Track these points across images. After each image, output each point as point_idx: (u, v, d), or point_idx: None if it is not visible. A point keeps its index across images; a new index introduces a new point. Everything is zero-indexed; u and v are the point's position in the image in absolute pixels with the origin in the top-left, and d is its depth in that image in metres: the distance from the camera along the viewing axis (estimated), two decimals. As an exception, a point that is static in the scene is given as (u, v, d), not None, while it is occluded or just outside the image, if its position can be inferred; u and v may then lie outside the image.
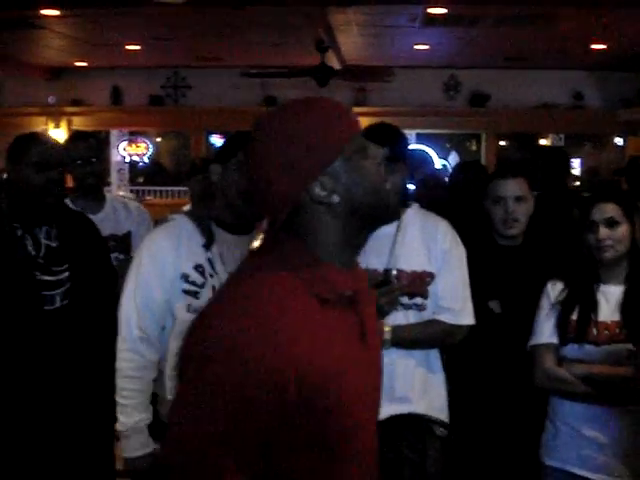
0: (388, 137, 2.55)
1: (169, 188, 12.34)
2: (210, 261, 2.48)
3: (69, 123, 10.28)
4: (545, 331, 2.63)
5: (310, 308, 1.34)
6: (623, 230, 2.54)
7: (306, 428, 1.32)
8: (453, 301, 2.58)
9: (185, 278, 2.46)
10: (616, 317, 2.55)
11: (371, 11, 6.72)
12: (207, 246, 2.49)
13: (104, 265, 3.06)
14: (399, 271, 2.54)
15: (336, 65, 8.46)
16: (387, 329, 2.52)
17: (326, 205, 1.39)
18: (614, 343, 2.52)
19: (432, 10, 6.55)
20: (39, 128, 9.99)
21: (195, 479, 1.30)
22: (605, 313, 2.56)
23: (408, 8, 6.59)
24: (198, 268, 2.47)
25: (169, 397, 2.52)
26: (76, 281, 2.82)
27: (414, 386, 2.58)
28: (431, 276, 2.57)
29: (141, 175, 11.98)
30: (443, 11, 6.59)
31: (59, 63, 9.78)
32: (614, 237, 2.53)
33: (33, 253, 2.74)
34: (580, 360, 2.54)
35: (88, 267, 2.88)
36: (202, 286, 2.46)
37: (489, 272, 2.83)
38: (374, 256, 2.54)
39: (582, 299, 2.59)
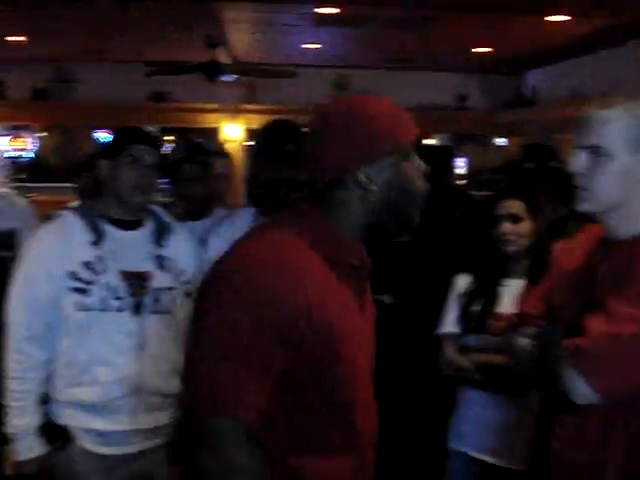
0: (290, 134, 2.59)
1: (54, 184, 11.97)
2: (100, 258, 2.45)
3: (-53, 116, 9.86)
4: (449, 321, 2.77)
5: (322, 267, 1.50)
6: (526, 226, 2.67)
7: (315, 359, 1.47)
8: None
9: (73, 276, 2.43)
10: (515, 309, 2.68)
11: (262, 9, 6.74)
12: (96, 243, 2.46)
13: None
14: None
15: (226, 61, 8.43)
16: None
17: (363, 190, 1.54)
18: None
19: (323, 10, 6.62)
20: None
21: (215, 393, 1.43)
22: (505, 305, 2.69)
23: (299, 7, 6.65)
24: (87, 265, 2.44)
25: (60, 397, 2.47)
26: None
27: None
28: None
29: (24, 171, 11.57)
30: (334, 11, 6.67)
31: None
32: (517, 232, 2.67)
33: None
34: (479, 349, 2.66)
35: None
36: (91, 283, 2.43)
37: (380, 267, 2.90)
38: None
39: (486, 292, 2.71)
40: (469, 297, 2.75)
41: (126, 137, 2.57)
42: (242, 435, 1.43)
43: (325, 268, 1.51)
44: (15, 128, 11.19)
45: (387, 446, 2.88)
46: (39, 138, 11.46)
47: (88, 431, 2.47)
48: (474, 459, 2.71)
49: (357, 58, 9.41)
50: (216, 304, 1.46)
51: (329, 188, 1.56)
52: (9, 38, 8.26)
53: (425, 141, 11.19)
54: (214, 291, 1.48)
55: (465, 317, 2.73)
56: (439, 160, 5.10)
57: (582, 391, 1.65)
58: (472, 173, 10.94)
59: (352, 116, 1.54)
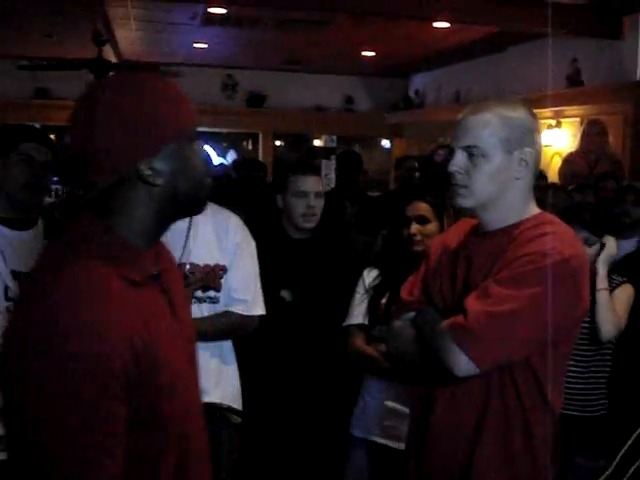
0: None
1: None
2: None
3: None
4: (357, 313, 2.86)
5: (123, 291, 1.31)
6: (432, 227, 2.82)
7: (139, 402, 1.30)
8: (245, 293, 2.66)
9: None
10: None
11: (151, 6, 6.68)
12: None
13: None
14: (192, 265, 2.59)
15: (113, 59, 8.29)
16: None
17: (149, 185, 1.36)
18: None
19: (212, 10, 6.63)
20: None
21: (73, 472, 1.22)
22: None
23: (188, 6, 6.62)
24: None
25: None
26: None
27: (209, 377, 2.63)
28: (224, 269, 2.63)
29: None
30: (223, 11, 6.69)
31: None
32: (424, 232, 2.80)
33: None
34: (382, 339, 2.76)
35: None
36: None
37: (281, 263, 2.96)
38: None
39: (393, 285, 2.80)
40: (377, 290, 2.86)
41: (15, 135, 2.52)
42: None
43: (133, 294, 1.33)
44: None
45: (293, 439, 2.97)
46: None
47: None
48: (376, 444, 2.81)
49: (245, 59, 9.45)
50: (25, 389, 1.22)
51: (109, 192, 1.37)
52: None
53: (315, 142, 11.38)
54: (30, 368, 1.22)
55: (373, 309, 2.84)
56: (350, 163, 5.44)
57: (463, 363, 1.77)
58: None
59: (126, 103, 1.33)
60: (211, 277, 2.61)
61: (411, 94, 10.15)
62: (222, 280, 2.63)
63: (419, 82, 10.27)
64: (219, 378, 2.67)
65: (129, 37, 8.02)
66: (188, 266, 2.56)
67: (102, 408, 1.23)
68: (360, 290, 2.88)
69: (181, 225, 2.60)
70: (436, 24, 6.83)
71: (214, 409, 2.63)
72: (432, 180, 4.73)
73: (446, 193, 2.34)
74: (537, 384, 1.85)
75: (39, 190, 2.52)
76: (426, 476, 1.99)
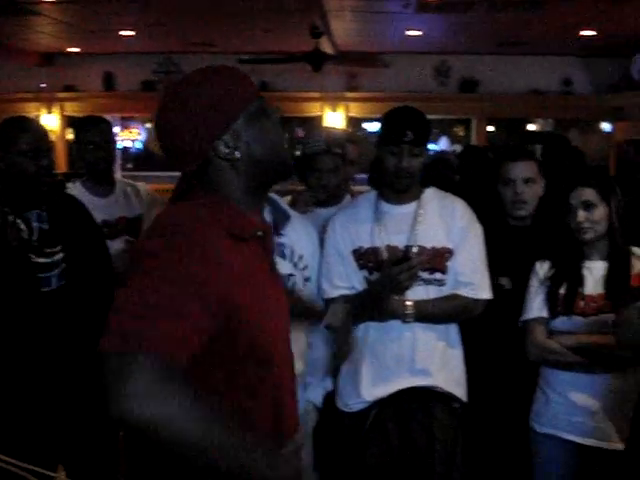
0: (412, 121, 2.64)
1: (159, 173, 12.32)
2: None
3: (62, 109, 10.29)
4: (535, 306, 2.78)
5: (226, 243, 1.48)
6: (600, 212, 2.70)
7: (232, 340, 1.46)
8: (472, 276, 2.68)
9: None
10: (600, 290, 2.71)
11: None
12: None
13: (97, 246, 3.04)
14: (419, 247, 2.63)
15: (329, 50, 8.51)
16: (409, 303, 2.62)
17: (230, 161, 1.55)
18: (600, 314, 2.67)
19: (427, -4, 6.62)
20: (32, 114, 9.99)
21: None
22: (590, 286, 2.72)
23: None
24: None
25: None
26: (71, 262, 2.81)
27: (434, 359, 2.68)
28: (450, 252, 2.67)
29: (131, 161, 11.97)
30: (438, -3, 6.67)
31: (51, 49, 9.77)
32: (591, 219, 2.69)
33: (26, 236, 2.73)
34: (569, 331, 2.70)
35: (82, 248, 2.87)
36: None
37: (500, 250, 2.93)
38: (394, 234, 2.66)
39: (569, 275, 2.75)
40: (553, 281, 2.77)
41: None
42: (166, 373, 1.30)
43: (236, 248, 1.50)
44: (124, 119, 11.57)
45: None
46: (146, 129, 11.81)
47: None
48: (566, 441, 2.72)
49: (458, 44, 9.34)
50: (138, 277, 1.39)
51: (201, 172, 1.56)
52: (120, 33, 8.57)
53: (529, 126, 11.07)
54: (134, 265, 1.43)
55: (552, 301, 2.75)
56: (558, 148, 5.17)
57: None
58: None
59: (188, 94, 1.53)
60: (437, 259, 2.65)
61: (634, 74, 9.59)
62: (448, 263, 2.66)
63: (643, 61, 9.69)
64: (444, 361, 2.70)
65: (344, 28, 8.19)
66: (415, 248, 2.61)
67: (194, 301, 1.36)
68: (534, 283, 2.79)
69: (408, 209, 2.68)
70: (664, -2, 6.42)
71: (432, 393, 2.66)
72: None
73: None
74: None
75: None
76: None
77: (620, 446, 2.61)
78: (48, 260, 2.76)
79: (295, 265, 2.71)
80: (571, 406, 2.70)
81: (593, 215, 2.69)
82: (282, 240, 2.67)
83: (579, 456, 2.72)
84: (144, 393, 1.27)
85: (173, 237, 1.42)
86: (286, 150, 1.65)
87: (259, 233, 1.59)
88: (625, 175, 5.46)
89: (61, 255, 2.79)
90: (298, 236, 2.73)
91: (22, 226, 2.73)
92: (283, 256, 2.66)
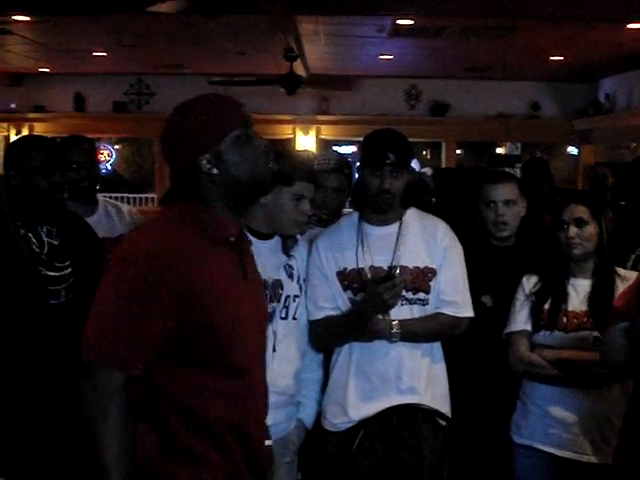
0: (393, 143, 2.67)
1: (126, 195, 12.30)
2: None
3: (31, 129, 10.22)
4: (519, 319, 2.84)
5: (201, 245, 1.78)
6: (590, 229, 2.77)
7: (196, 341, 1.74)
8: (455, 295, 2.72)
9: None
10: (584, 307, 2.78)
11: (340, 21, 6.83)
12: None
13: (102, 263, 3.01)
14: (402, 267, 2.66)
15: (302, 73, 8.56)
16: (395, 323, 2.64)
17: (209, 175, 1.81)
18: (582, 330, 2.75)
19: (400, 21, 6.69)
20: (0, 134, 9.91)
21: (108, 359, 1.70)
22: (574, 303, 2.80)
23: (377, 19, 6.72)
24: None
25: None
26: (79, 276, 2.89)
27: (420, 377, 2.70)
28: (432, 272, 2.70)
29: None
30: (410, 22, 6.74)
31: (22, 69, 9.70)
32: (582, 235, 2.76)
33: (37, 250, 2.81)
34: (550, 346, 2.77)
35: (88, 264, 2.93)
36: None
37: (482, 269, 2.98)
38: (378, 254, 2.69)
39: (554, 290, 2.82)
40: (538, 296, 2.82)
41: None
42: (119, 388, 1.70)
43: (210, 250, 1.79)
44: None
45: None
46: (115, 150, 11.77)
47: None
48: (543, 453, 2.77)
49: (429, 68, 9.46)
50: (116, 274, 1.77)
51: (187, 181, 1.85)
52: (93, 54, 8.53)
53: (497, 149, 11.22)
54: (117, 266, 1.79)
55: (536, 315, 2.80)
56: (537, 171, 5.25)
57: None
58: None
59: (178, 121, 1.83)
60: (420, 279, 2.69)
61: (601, 99, 9.78)
62: (431, 282, 2.69)
63: (609, 86, 9.87)
64: (429, 379, 2.73)
65: (318, 52, 8.25)
66: (398, 269, 2.64)
67: (146, 301, 1.70)
68: (520, 297, 2.86)
69: (390, 230, 2.71)
70: (630, 25, 6.56)
71: (420, 410, 2.68)
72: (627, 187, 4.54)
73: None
74: None
75: None
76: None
77: (594, 459, 2.69)
78: (57, 274, 2.85)
79: (300, 288, 2.74)
80: (548, 418, 2.76)
81: (584, 232, 2.76)
82: (291, 262, 2.70)
83: (557, 467, 2.77)
84: (95, 403, 1.70)
85: (128, 251, 1.77)
86: (264, 173, 1.87)
87: (231, 238, 1.84)
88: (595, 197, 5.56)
89: (69, 270, 2.89)
90: (302, 258, 2.77)
91: (33, 240, 2.82)
92: (291, 277, 2.70)
